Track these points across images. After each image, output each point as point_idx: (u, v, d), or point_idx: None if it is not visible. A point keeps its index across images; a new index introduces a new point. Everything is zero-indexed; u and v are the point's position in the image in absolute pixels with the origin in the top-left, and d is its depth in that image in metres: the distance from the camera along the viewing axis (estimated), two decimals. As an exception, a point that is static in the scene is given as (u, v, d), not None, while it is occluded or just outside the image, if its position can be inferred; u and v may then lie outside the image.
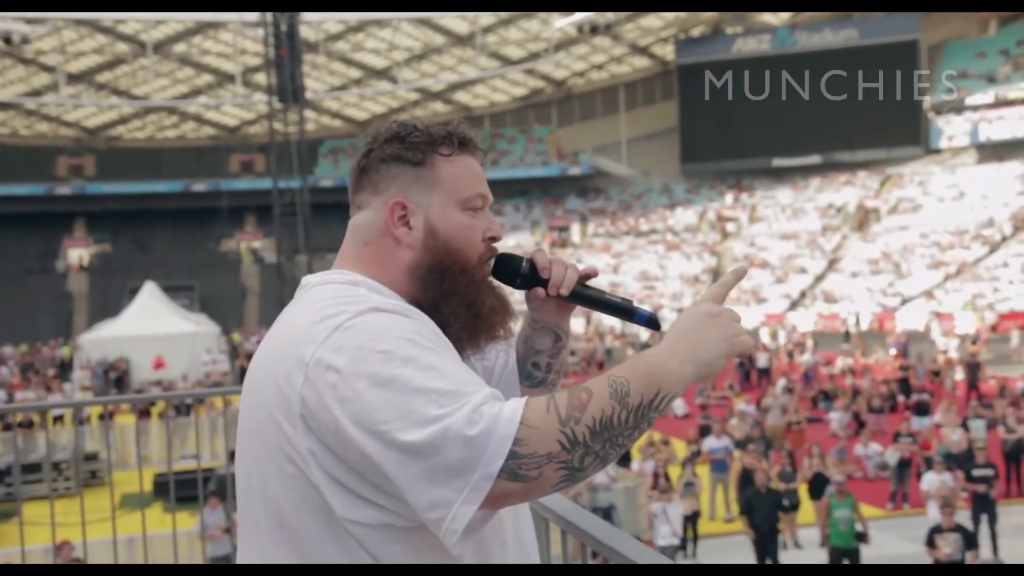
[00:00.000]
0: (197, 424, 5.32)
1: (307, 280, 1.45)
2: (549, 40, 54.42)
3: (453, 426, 1.15)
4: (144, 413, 19.26)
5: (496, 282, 1.48)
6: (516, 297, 1.59)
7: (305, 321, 1.31)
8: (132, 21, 48.99)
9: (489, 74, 57.51)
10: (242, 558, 1.39)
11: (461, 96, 61.65)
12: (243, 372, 30.07)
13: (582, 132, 60.07)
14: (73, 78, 53.03)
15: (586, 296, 1.51)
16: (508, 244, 56.11)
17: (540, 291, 1.50)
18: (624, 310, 1.49)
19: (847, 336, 32.62)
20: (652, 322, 1.48)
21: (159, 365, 27.22)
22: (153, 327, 27.80)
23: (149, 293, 30.23)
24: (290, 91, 20.62)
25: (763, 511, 11.07)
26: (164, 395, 8.52)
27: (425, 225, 1.41)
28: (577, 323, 40.58)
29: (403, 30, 52.33)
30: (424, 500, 1.17)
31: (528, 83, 61.02)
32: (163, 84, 54.76)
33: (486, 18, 52.05)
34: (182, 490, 9.69)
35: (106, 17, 48.36)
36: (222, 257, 54.02)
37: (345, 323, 1.26)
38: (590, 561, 1.71)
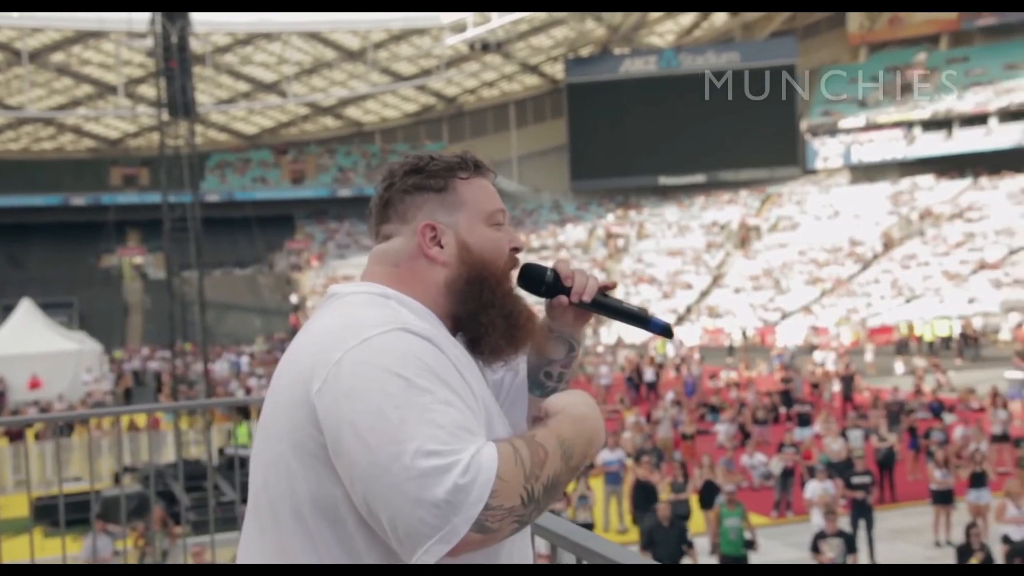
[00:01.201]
0: (118, 442, 5.25)
1: (337, 289, 1.51)
2: (440, 57, 54.68)
3: (451, 468, 1.22)
4: (18, 435, 18.45)
5: (521, 291, 1.57)
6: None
7: (335, 326, 1.39)
8: (7, 28, 47.15)
9: (380, 90, 57.39)
10: (254, 555, 1.43)
11: (352, 111, 61.31)
12: (127, 392, 29.22)
13: (473, 149, 58.83)
14: (-58, 86, 50.71)
15: (605, 304, 1.60)
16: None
17: (563, 298, 1.59)
18: (640, 318, 1.59)
19: (731, 350, 33.67)
20: (666, 331, 1.60)
21: (35, 385, 26.19)
22: (29, 345, 26.71)
23: (25, 310, 29.04)
24: (181, 104, 20.26)
25: (667, 546, 10.79)
26: (117, 411, 8.29)
27: (457, 242, 1.49)
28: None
29: (293, 44, 51.80)
30: (403, 529, 1.23)
31: (419, 99, 61.10)
32: (39, 94, 52.74)
33: (377, 33, 52.00)
34: (66, 514, 9.37)
35: (-21, 24, 46.42)
36: (103, 273, 52.28)
37: (373, 337, 1.32)
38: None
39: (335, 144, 61.53)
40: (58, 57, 50.39)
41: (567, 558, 1.66)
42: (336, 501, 1.33)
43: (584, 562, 1.61)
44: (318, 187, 57.44)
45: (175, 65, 20.20)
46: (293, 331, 46.11)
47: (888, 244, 44.21)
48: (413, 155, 1.57)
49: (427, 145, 60.43)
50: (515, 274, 1.57)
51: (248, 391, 25.29)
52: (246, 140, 61.34)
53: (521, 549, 1.49)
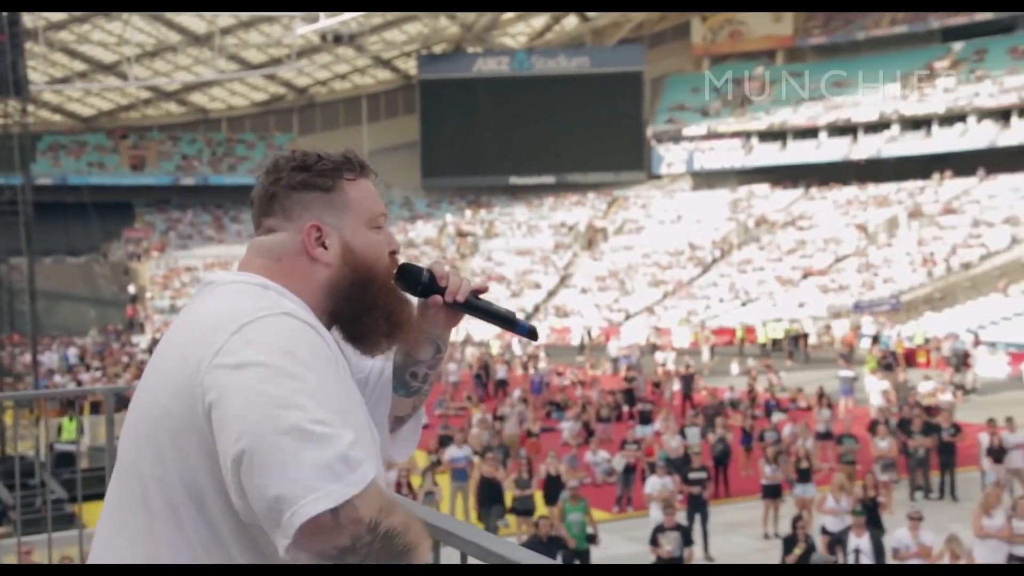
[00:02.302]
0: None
1: (214, 276, 1.52)
2: (291, 46, 53.55)
3: (339, 438, 1.26)
4: None
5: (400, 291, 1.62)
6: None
7: (218, 310, 1.41)
8: None
9: (227, 77, 55.74)
10: (116, 530, 1.44)
11: (197, 97, 59.34)
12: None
13: (324, 141, 59.40)
14: None
15: (477, 306, 1.66)
16: (244, 252, 55.14)
17: (438, 298, 1.64)
18: (508, 320, 1.66)
19: (582, 348, 34.35)
20: (532, 333, 1.68)
21: None
22: None
23: None
24: (11, 82, 19.13)
25: None
26: None
27: (341, 244, 1.52)
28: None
29: (134, 24, 49.64)
30: (277, 490, 1.23)
31: (269, 88, 59.72)
32: None
33: (225, 19, 50.46)
34: None
35: None
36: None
37: (261, 318, 1.36)
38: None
39: (179, 131, 59.40)
40: None
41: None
42: (204, 487, 1.35)
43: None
44: (160, 174, 55.29)
45: (5, 39, 19.01)
46: (130, 322, 44.37)
47: (726, 249, 46.09)
48: (300, 152, 1.58)
49: (276, 136, 59.20)
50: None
51: (79, 384, 24.14)
52: (82, 122, 58.45)
53: None
